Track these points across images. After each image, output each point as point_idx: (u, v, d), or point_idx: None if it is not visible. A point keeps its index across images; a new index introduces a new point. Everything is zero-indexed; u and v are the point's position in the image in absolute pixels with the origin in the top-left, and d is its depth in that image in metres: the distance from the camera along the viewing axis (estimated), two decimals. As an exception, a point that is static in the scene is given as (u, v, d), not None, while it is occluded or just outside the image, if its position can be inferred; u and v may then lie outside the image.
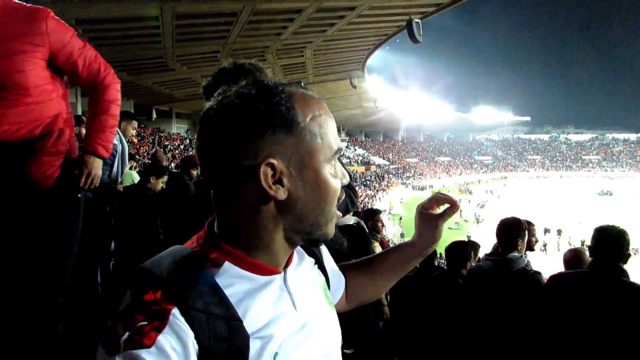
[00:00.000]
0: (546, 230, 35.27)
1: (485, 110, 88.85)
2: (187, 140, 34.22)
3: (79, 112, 25.23)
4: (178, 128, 37.39)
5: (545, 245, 29.27)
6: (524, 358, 2.67)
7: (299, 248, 0.85)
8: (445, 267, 3.67)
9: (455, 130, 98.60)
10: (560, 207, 48.09)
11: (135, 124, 4.14)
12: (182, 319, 0.59)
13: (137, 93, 27.19)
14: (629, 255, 2.45)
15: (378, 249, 5.05)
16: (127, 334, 0.57)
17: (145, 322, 0.58)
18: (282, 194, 0.67)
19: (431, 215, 1.00)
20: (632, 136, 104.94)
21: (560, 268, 3.30)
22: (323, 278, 0.90)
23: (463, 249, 3.72)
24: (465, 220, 40.65)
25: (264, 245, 0.71)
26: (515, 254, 2.85)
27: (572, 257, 3.39)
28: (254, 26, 15.48)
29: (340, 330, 0.86)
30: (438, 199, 1.00)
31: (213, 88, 1.44)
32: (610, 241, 2.44)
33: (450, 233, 33.84)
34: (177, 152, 29.67)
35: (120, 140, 3.86)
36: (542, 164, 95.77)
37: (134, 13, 13.22)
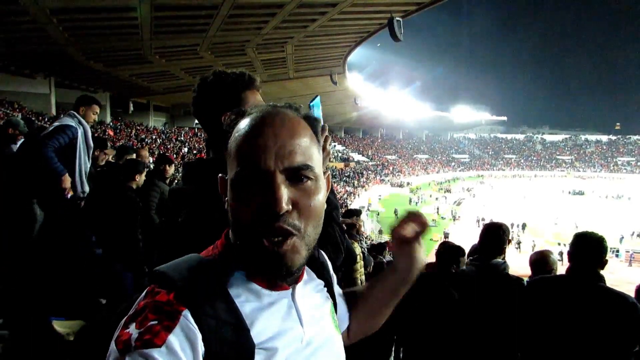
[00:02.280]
0: (524, 226, 36.45)
1: (463, 109, 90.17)
2: (164, 135, 33.70)
3: (53, 103, 24.63)
4: (156, 121, 36.73)
5: (519, 244, 29.87)
6: None
7: (309, 269, 0.86)
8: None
9: (433, 129, 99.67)
10: (534, 205, 49.22)
11: (96, 108, 4.07)
12: (192, 320, 0.61)
13: (113, 85, 26.66)
14: (607, 261, 2.52)
15: (358, 250, 5.07)
16: (138, 332, 0.59)
17: (156, 322, 0.60)
18: (227, 205, 0.71)
19: (405, 239, 0.96)
20: (604, 137, 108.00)
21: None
22: (331, 301, 0.90)
23: (455, 252, 3.71)
24: (442, 218, 41.23)
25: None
26: (499, 260, 2.89)
27: (537, 259, 3.46)
28: (235, 20, 15.34)
29: (344, 355, 0.86)
30: (407, 219, 0.95)
31: (198, 104, 1.42)
32: (589, 247, 2.50)
33: (428, 230, 34.24)
34: (154, 146, 29.17)
35: (80, 123, 3.91)
36: (517, 163, 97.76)
37: (111, 4, 12.94)
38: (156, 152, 23.23)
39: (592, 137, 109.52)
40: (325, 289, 0.90)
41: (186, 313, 0.61)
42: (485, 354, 2.76)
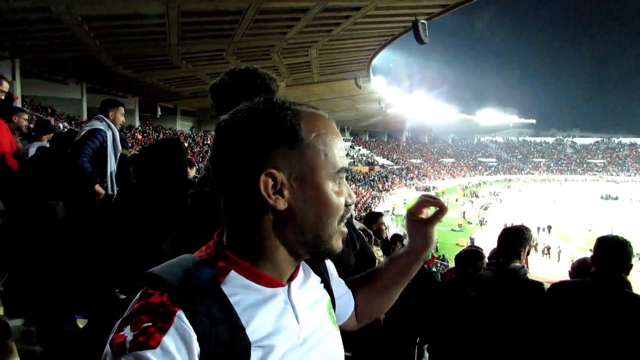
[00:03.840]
0: (549, 228, 35.75)
1: (490, 112, 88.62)
2: (191, 139, 34.27)
3: (84, 108, 25.39)
4: (182, 125, 37.50)
5: (548, 249, 29.11)
6: None
7: (305, 265, 0.87)
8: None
9: (459, 132, 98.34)
10: (564, 210, 47.86)
11: (122, 110, 4.18)
12: (186, 321, 0.61)
13: (142, 90, 27.34)
14: (632, 265, 2.43)
15: (379, 253, 5.02)
16: (132, 334, 0.59)
17: (150, 323, 0.60)
18: (281, 205, 0.69)
19: (420, 220, 1.02)
20: (639, 140, 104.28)
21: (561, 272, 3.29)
22: (328, 297, 0.90)
23: (473, 256, 3.65)
24: (469, 222, 40.52)
25: (268, 255, 0.73)
26: (517, 264, 2.82)
27: (580, 268, 3.33)
28: (260, 25, 15.50)
29: (343, 351, 0.87)
30: (425, 202, 1.01)
31: (224, 88, 1.43)
32: (613, 252, 2.42)
33: (453, 235, 33.80)
34: (181, 149, 29.71)
35: (109, 127, 3.99)
36: (546, 166, 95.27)
37: (140, 10, 13.26)
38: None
39: (626, 140, 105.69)
40: (322, 284, 0.90)
41: (180, 314, 0.61)
42: (503, 357, 2.71)
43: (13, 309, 3.14)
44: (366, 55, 24.30)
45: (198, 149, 32.22)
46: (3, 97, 4.03)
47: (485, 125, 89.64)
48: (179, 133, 34.35)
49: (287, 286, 0.76)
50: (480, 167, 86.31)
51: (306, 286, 0.83)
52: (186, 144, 31.90)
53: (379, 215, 5.74)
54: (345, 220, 0.76)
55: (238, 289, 0.70)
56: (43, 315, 2.82)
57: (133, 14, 13.45)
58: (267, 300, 0.72)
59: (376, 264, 5.02)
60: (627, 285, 2.40)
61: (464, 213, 43.42)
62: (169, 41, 16.34)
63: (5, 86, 4.03)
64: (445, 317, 3.37)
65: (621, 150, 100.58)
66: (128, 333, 0.59)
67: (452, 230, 36.39)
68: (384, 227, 5.41)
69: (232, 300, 0.67)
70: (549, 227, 36.57)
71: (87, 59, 18.08)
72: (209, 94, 1.45)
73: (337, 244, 0.75)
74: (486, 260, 3.69)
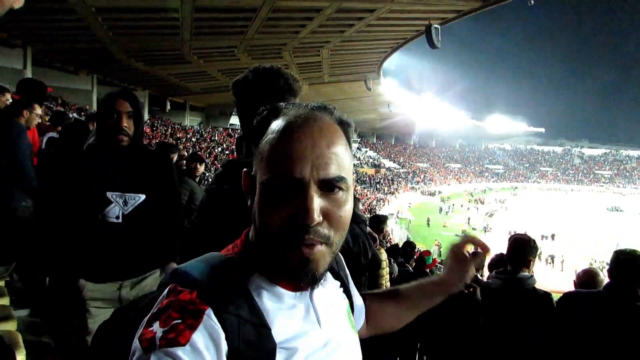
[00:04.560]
0: (553, 236, 35.90)
1: (499, 119, 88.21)
2: (199, 134, 34.35)
3: (94, 100, 25.50)
4: (191, 121, 37.55)
5: (552, 258, 28.95)
6: None
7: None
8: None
9: (467, 138, 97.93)
10: (568, 219, 47.59)
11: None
12: (215, 319, 0.61)
13: (152, 84, 27.44)
14: None
15: (384, 255, 4.98)
16: (162, 331, 0.59)
17: (180, 320, 0.60)
18: (251, 203, 0.72)
19: (463, 257, 1.01)
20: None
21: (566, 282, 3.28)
22: (347, 302, 0.89)
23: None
24: (473, 229, 40.31)
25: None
26: (526, 273, 2.82)
27: (585, 279, 3.31)
28: (273, 23, 15.51)
29: (361, 355, 0.85)
30: (470, 240, 1.01)
31: (247, 86, 1.42)
32: (629, 265, 2.41)
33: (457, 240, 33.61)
34: (189, 144, 29.79)
35: None
36: (554, 176, 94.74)
37: (154, 4, 13.30)
38: (191, 151, 23.66)
39: (634, 153, 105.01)
40: (342, 289, 0.90)
41: (209, 312, 0.62)
42: None
43: (20, 299, 3.12)
44: (377, 57, 24.26)
45: (206, 144, 32.29)
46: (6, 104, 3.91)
47: (494, 132, 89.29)
48: (187, 128, 34.45)
49: (309, 290, 0.75)
50: (486, 174, 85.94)
51: (327, 290, 0.82)
52: (194, 140, 31.99)
53: (384, 218, 5.72)
54: (301, 242, 0.64)
55: (264, 291, 0.70)
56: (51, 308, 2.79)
57: (147, 7, 13.50)
58: (290, 303, 0.72)
59: (381, 266, 4.99)
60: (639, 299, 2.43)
61: (468, 219, 43.24)
62: (181, 36, 16.38)
63: (7, 97, 3.95)
64: (449, 324, 3.35)
65: (629, 162, 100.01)
66: (157, 329, 0.59)
67: (456, 235, 36.24)
68: (388, 230, 5.39)
69: (257, 301, 0.68)
70: (553, 236, 36.67)
71: (99, 51, 18.14)
72: (231, 89, 1.44)
73: (287, 266, 0.67)
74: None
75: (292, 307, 0.72)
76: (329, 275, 0.85)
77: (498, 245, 3.18)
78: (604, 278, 3.29)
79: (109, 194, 2.00)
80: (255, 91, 1.36)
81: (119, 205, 2.02)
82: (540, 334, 2.60)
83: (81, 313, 2.00)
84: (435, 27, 14.57)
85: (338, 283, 0.89)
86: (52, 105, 18.15)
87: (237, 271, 0.70)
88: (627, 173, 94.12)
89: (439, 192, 59.20)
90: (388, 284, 4.95)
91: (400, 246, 6.36)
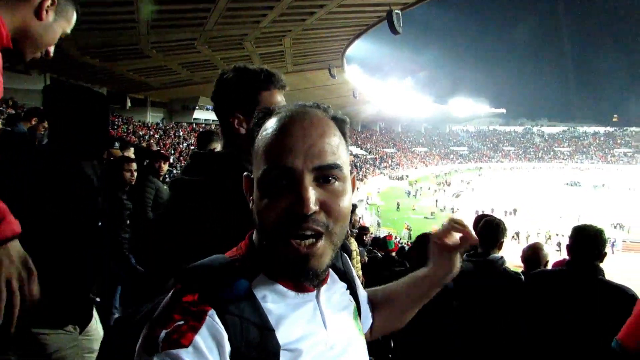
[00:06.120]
0: (515, 211, 38.11)
1: (462, 101, 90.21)
2: (162, 130, 33.55)
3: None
4: (153, 117, 36.57)
5: (517, 234, 30.04)
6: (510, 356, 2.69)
7: (332, 272, 0.85)
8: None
9: (432, 121, 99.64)
10: (532, 196, 49.38)
11: None
12: (218, 320, 0.61)
13: (110, 80, 26.54)
14: (605, 254, 2.54)
15: (354, 245, 5.03)
16: (165, 333, 0.59)
17: (182, 322, 0.60)
18: (252, 205, 0.72)
19: (446, 246, 0.96)
20: (602, 129, 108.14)
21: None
22: (354, 304, 0.88)
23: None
24: (441, 210, 41.27)
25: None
26: (497, 254, 2.90)
27: (530, 255, 3.48)
28: (233, 13, 15.23)
29: (367, 358, 0.84)
30: (452, 227, 0.95)
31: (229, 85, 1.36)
32: (588, 241, 2.51)
33: (427, 223, 34.37)
34: (152, 141, 29.07)
35: None
36: (516, 155, 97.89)
37: (106, -3, 12.78)
38: (154, 148, 23.11)
39: (590, 129, 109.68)
40: (348, 291, 0.88)
41: (212, 313, 0.62)
42: (483, 349, 2.76)
43: None
44: (340, 45, 24.20)
45: (170, 140, 31.58)
46: None
47: (458, 114, 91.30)
48: (149, 125, 33.57)
49: (315, 292, 0.75)
50: (452, 156, 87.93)
51: (333, 292, 0.82)
52: (157, 136, 31.23)
53: (353, 207, 5.74)
54: (299, 233, 0.65)
55: (267, 292, 0.70)
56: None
57: (101, 0, 12.95)
58: (295, 305, 0.72)
59: (352, 256, 5.00)
60: (601, 272, 2.52)
61: (436, 201, 44.21)
62: (138, 30, 15.85)
63: None
64: (422, 308, 3.40)
65: (585, 138, 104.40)
66: (160, 331, 0.60)
67: (425, 218, 37.04)
68: (357, 218, 5.43)
69: (262, 303, 0.68)
70: (515, 211, 38.98)
71: (51, 48, 17.35)
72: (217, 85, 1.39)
73: (287, 262, 0.67)
74: None
75: (297, 309, 0.71)
76: (335, 276, 0.86)
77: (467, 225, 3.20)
78: (547, 253, 3.49)
79: None
80: (226, 99, 1.35)
81: None
82: (516, 314, 2.67)
83: None
84: (397, 13, 14.59)
85: (345, 285, 0.88)
86: (2, 109, 17.30)
87: (240, 273, 0.70)
88: (584, 149, 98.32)
89: (407, 176, 60.24)
90: (360, 272, 4.98)
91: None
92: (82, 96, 1.88)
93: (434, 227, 32.32)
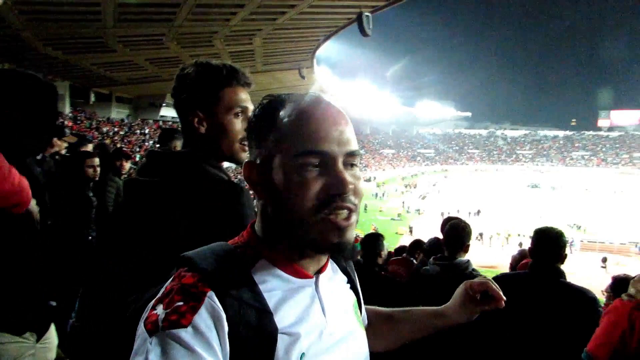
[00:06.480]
0: (478, 212, 39.09)
1: (429, 105, 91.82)
2: (127, 127, 32.66)
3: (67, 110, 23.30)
4: (118, 113, 35.48)
5: (481, 235, 30.80)
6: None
7: (333, 263, 0.88)
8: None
9: (400, 124, 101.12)
10: (494, 198, 50.79)
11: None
12: (217, 301, 0.63)
13: (74, 74, 25.61)
14: (566, 255, 2.58)
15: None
16: (164, 313, 0.61)
17: (182, 303, 0.62)
18: (260, 192, 0.74)
19: (474, 299, 1.01)
20: (561, 133, 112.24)
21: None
22: (354, 297, 0.91)
23: (376, 240, 3.82)
24: (407, 212, 41.88)
25: (279, 245, 0.75)
26: (463, 258, 2.91)
27: (520, 260, 3.48)
28: (202, 10, 14.98)
29: (368, 350, 0.87)
30: (489, 287, 0.99)
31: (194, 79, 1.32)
32: (549, 243, 2.55)
33: (393, 224, 34.83)
34: (117, 138, 28.27)
35: None
36: (480, 157, 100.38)
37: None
38: (119, 146, 22.54)
39: (550, 133, 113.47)
40: (349, 285, 0.91)
41: (211, 294, 0.64)
42: (449, 352, 2.75)
43: None
44: (311, 45, 24.18)
45: (135, 137, 30.80)
46: None
47: (424, 117, 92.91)
48: (114, 121, 32.61)
49: (314, 279, 0.77)
50: (419, 158, 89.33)
51: (334, 283, 0.84)
52: (122, 133, 30.41)
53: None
54: (336, 210, 0.70)
55: (267, 277, 0.72)
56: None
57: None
58: (295, 290, 0.74)
59: None
60: (562, 275, 2.53)
61: (403, 203, 44.85)
62: (104, 22, 15.33)
63: None
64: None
65: (546, 141, 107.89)
66: (161, 312, 0.62)
67: (391, 219, 37.48)
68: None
69: (261, 287, 0.69)
70: (478, 211, 40.02)
71: (9, 38, 16.58)
72: (177, 80, 1.32)
73: (323, 236, 0.70)
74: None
75: (296, 294, 0.73)
76: (336, 267, 0.89)
77: (432, 226, 3.30)
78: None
79: None
80: (186, 95, 1.29)
81: None
82: (483, 318, 2.70)
83: None
84: (367, 15, 14.72)
85: (345, 278, 0.91)
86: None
87: (241, 258, 0.72)
88: (544, 152, 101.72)
89: (374, 178, 60.74)
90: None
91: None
92: (28, 85, 1.67)
93: (400, 227, 32.87)
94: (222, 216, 1.13)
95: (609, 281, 3.50)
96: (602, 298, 2.72)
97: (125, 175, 4.72)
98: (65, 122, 25.17)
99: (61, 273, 3.15)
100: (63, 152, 4.43)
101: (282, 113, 0.72)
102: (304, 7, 15.70)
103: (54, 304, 2.06)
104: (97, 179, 3.88)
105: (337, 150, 0.70)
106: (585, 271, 20.72)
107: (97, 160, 3.85)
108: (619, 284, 3.06)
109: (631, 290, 1.97)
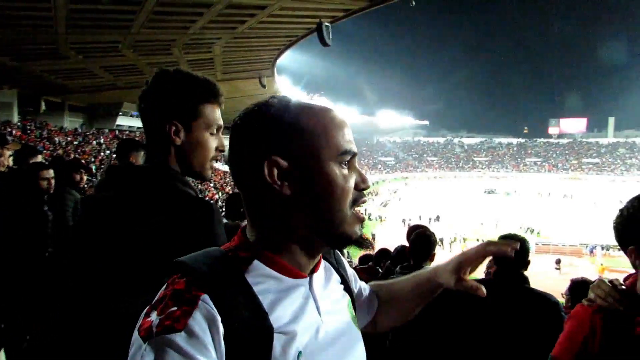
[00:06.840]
0: (438, 218, 40.32)
1: (388, 114, 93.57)
2: (81, 137, 31.47)
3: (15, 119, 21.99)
4: (71, 122, 34.09)
5: (442, 240, 31.44)
6: None
7: (326, 264, 0.90)
8: None
9: (360, 132, 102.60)
10: (454, 204, 52.23)
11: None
12: (211, 304, 0.63)
13: (22, 82, 24.47)
14: (529, 262, 2.64)
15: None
16: (158, 319, 0.62)
17: (176, 308, 0.62)
18: (286, 190, 0.72)
19: (466, 267, 0.97)
20: (514, 140, 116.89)
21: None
22: (349, 297, 0.92)
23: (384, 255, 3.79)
24: (369, 219, 42.34)
25: (284, 245, 0.75)
26: (428, 266, 2.91)
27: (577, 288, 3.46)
28: (160, 17, 14.72)
29: (364, 350, 0.87)
30: (488, 252, 0.96)
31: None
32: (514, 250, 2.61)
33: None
34: (70, 148, 27.19)
35: None
36: (439, 164, 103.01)
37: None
38: (72, 156, 21.68)
39: (505, 140, 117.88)
40: (342, 285, 0.92)
41: (205, 297, 0.64)
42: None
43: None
44: (271, 54, 24.20)
45: (90, 147, 29.72)
46: None
47: (384, 126, 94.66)
48: (67, 130, 31.35)
49: (308, 278, 0.78)
50: (380, 166, 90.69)
51: (327, 282, 0.86)
52: (75, 143, 29.29)
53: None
54: (361, 205, 0.78)
55: (261, 278, 0.72)
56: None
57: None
58: (289, 290, 0.74)
59: None
60: (526, 281, 2.60)
61: (365, 210, 45.28)
62: (55, 28, 14.77)
63: None
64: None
65: (501, 149, 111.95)
66: (155, 318, 0.62)
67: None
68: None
69: (255, 288, 0.70)
70: (438, 217, 41.24)
71: (-48, 44, 15.76)
72: (154, 85, 1.26)
73: (351, 229, 0.75)
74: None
75: (291, 294, 0.74)
76: (329, 266, 0.92)
77: (393, 233, 3.34)
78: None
79: None
80: (163, 104, 1.23)
81: None
82: (450, 326, 2.65)
83: None
84: (326, 25, 14.89)
85: (339, 278, 0.92)
86: None
87: (233, 261, 0.73)
88: (499, 159, 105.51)
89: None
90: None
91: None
92: None
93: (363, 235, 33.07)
94: (195, 234, 1.11)
95: (563, 282, 3.60)
96: (562, 300, 2.81)
97: (84, 187, 4.54)
98: (14, 132, 24.02)
99: (13, 293, 3.01)
100: (10, 163, 4.21)
101: (305, 117, 0.74)
102: (264, 16, 15.73)
103: (2, 325, 1.94)
104: (51, 191, 3.70)
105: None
106: (541, 273, 21.58)
107: (51, 172, 3.67)
108: (578, 287, 3.15)
109: (591, 295, 2.05)
